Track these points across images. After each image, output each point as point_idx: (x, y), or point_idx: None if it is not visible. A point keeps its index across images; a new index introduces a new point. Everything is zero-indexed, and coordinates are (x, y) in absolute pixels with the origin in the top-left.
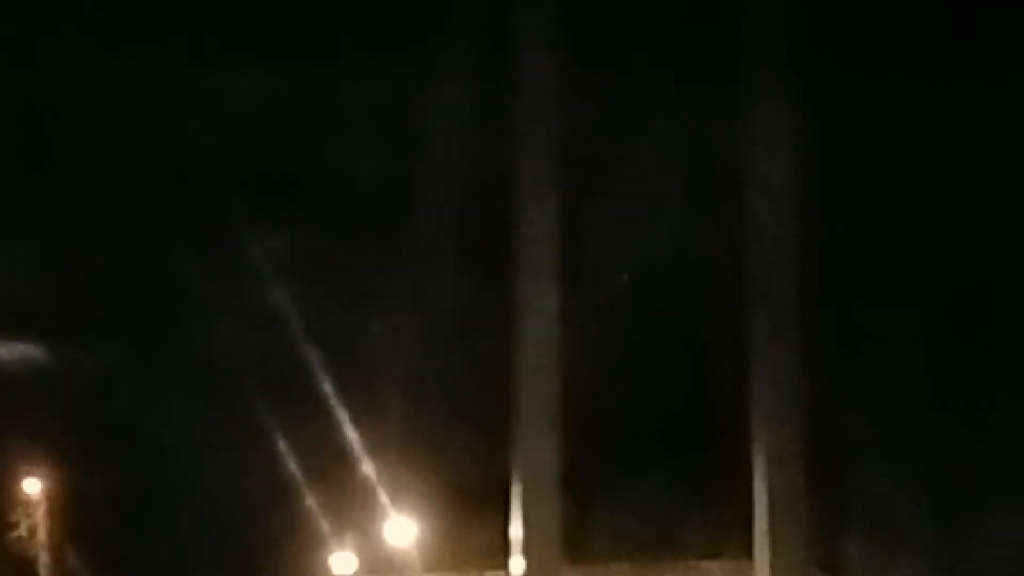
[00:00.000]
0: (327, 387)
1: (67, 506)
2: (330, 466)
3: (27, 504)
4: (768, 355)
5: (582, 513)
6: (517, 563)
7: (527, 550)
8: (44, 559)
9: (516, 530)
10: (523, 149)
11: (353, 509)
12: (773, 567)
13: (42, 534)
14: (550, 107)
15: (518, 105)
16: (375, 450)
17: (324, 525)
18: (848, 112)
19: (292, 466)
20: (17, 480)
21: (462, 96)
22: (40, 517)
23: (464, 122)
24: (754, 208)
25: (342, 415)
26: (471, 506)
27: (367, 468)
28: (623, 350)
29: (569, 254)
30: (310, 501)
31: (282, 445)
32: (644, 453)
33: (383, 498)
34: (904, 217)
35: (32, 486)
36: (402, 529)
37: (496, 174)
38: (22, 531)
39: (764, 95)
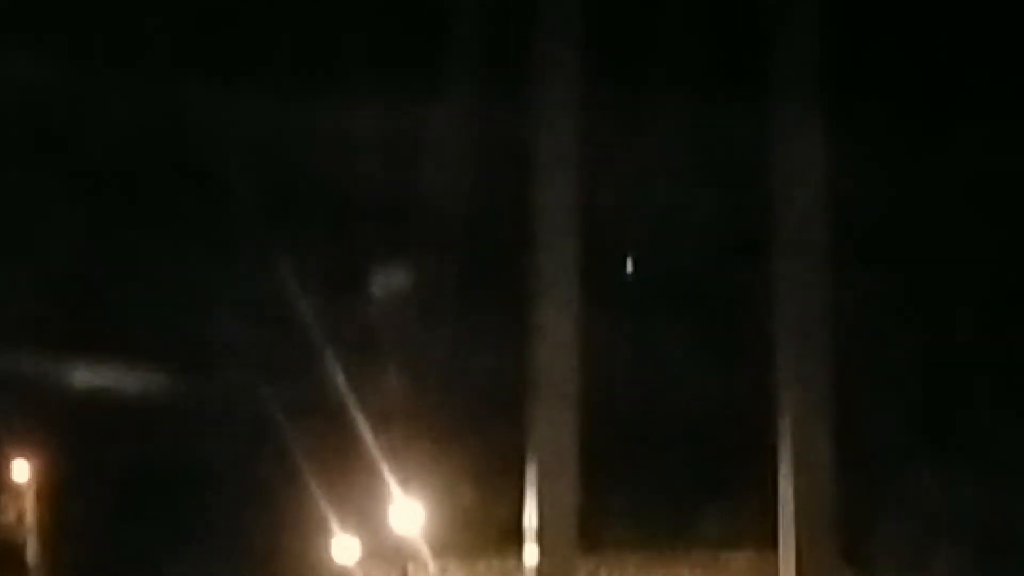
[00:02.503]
0: (341, 369)
1: (58, 491)
2: (339, 448)
3: (16, 489)
4: (796, 341)
5: (599, 500)
6: (531, 552)
7: (542, 538)
8: (33, 545)
9: (531, 517)
10: (541, 133)
11: (363, 493)
12: (799, 559)
13: (31, 519)
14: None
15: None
16: (385, 433)
17: (331, 510)
18: (877, 105)
19: (298, 448)
20: (6, 464)
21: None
22: (29, 502)
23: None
24: (781, 199)
25: (355, 397)
26: (483, 491)
27: (377, 451)
28: (644, 333)
29: (590, 237)
30: (317, 485)
31: (288, 426)
32: (664, 439)
33: (392, 482)
34: (933, 204)
35: (21, 470)
36: (410, 514)
37: (513, 164)
38: (10, 516)
39: (793, 92)
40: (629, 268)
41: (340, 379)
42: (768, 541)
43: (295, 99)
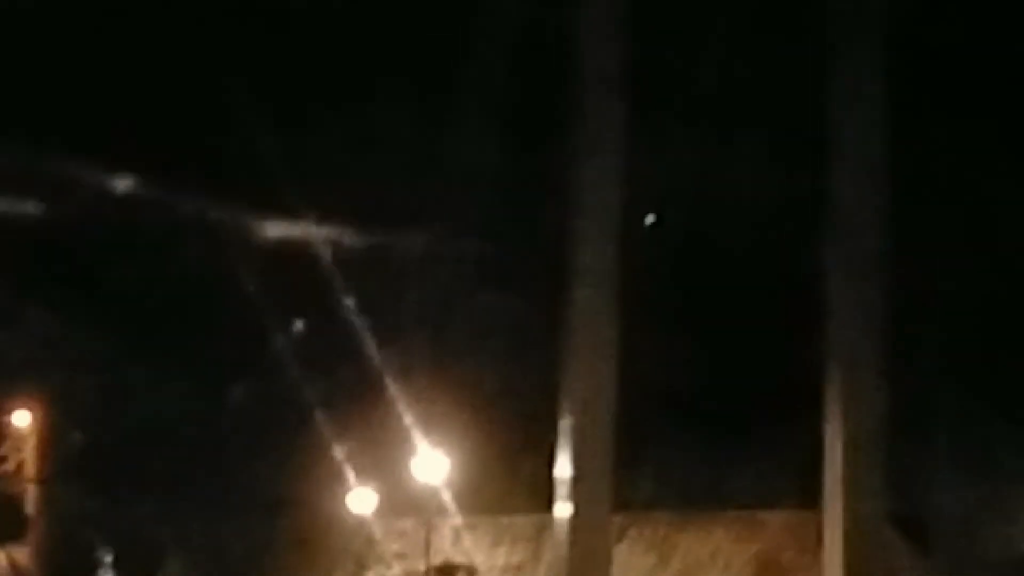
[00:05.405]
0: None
1: (59, 440)
2: (364, 398)
3: (16, 438)
4: (846, 292)
5: (633, 456)
6: (563, 507)
7: (575, 493)
8: (32, 495)
9: (563, 470)
10: (589, 94)
11: (388, 445)
12: (847, 519)
13: (31, 469)
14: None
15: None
16: (412, 382)
17: (356, 462)
18: (938, 59)
19: (320, 397)
20: (6, 413)
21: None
22: (29, 451)
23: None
24: (836, 150)
25: (381, 347)
26: (513, 443)
27: (402, 401)
28: (685, 285)
29: (632, 190)
30: (339, 435)
31: (303, 375)
32: (704, 391)
33: (417, 433)
34: (984, 166)
35: (21, 419)
36: (434, 466)
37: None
38: (9, 466)
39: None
40: (650, 220)
41: None
42: (807, 501)
43: None
